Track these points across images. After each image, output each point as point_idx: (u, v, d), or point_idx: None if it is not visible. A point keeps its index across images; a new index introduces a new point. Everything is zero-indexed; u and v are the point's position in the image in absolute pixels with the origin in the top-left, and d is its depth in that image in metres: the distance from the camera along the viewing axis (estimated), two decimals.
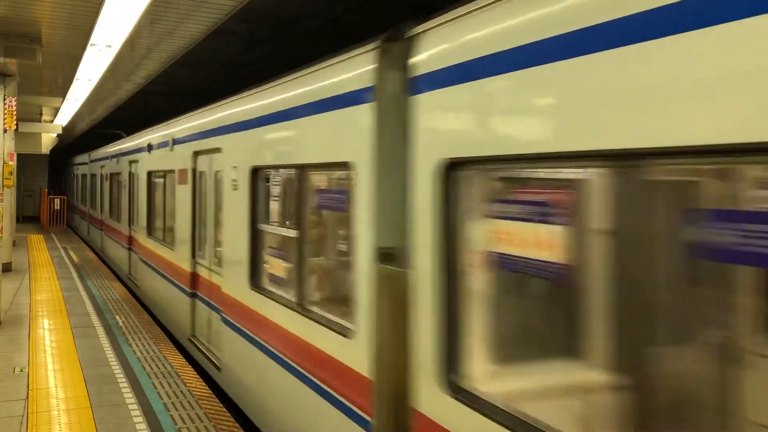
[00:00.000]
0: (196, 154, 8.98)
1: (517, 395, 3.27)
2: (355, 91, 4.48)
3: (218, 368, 7.81)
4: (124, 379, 7.59)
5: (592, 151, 2.66)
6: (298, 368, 5.47)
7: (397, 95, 4.05)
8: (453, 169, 3.49)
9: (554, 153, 2.85)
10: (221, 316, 7.68)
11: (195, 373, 8.02)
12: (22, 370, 7.87)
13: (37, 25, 8.55)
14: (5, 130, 11.33)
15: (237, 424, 6.42)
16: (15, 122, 11.67)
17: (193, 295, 9.22)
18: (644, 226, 2.68)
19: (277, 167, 6.21)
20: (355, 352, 4.49)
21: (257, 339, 6.45)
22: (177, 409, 6.66)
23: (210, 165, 8.43)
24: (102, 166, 19.96)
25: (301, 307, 5.50)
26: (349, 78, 4.62)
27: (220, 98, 8.28)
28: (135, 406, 6.70)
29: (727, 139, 2.16)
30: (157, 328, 10.34)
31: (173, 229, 10.45)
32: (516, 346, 3.56)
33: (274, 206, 6.67)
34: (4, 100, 11.25)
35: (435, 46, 3.72)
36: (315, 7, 9.12)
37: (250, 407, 6.70)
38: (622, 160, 2.59)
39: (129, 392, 7.14)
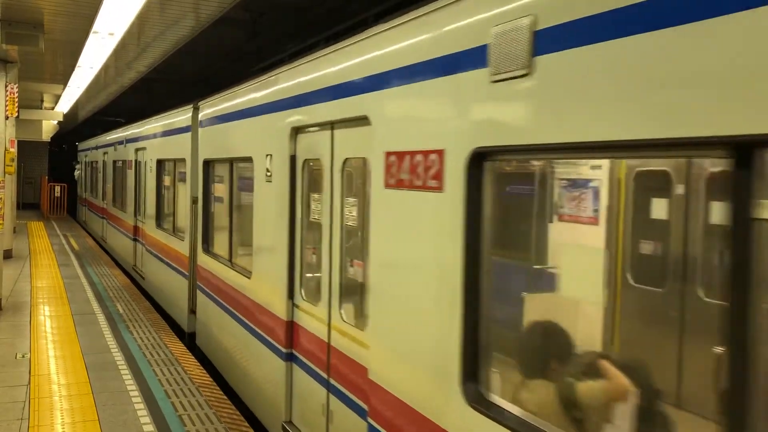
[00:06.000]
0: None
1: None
2: (185, 126, 10.19)
3: None
4: (125, 366, 7.64)
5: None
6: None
7: (197, 128, 9.42)
8: (207, 163, 8.88)
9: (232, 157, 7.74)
10: None
11: (195, 360, 8.07)
12: (23, 356, 7.92)
13: (40, 11, 8.53)
14: (6, 117, 11.31)
15: (237, 412, 6.47)
16: (16, 109, 11.65)
17: None
18: None
19: (167, 160, 11.96)
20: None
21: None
22: (178, 396, 6.71)
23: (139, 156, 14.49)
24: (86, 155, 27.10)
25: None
26: (183, 119, 10.36)
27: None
28: (136, 393, 6.75)
29: None
30: (157, 315, 10.39)
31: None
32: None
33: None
34: (6, 86, 11.23)
35: (204, 110, 9.05)
36: None
37: None
38: None
39: (130, 379, 7.18)
